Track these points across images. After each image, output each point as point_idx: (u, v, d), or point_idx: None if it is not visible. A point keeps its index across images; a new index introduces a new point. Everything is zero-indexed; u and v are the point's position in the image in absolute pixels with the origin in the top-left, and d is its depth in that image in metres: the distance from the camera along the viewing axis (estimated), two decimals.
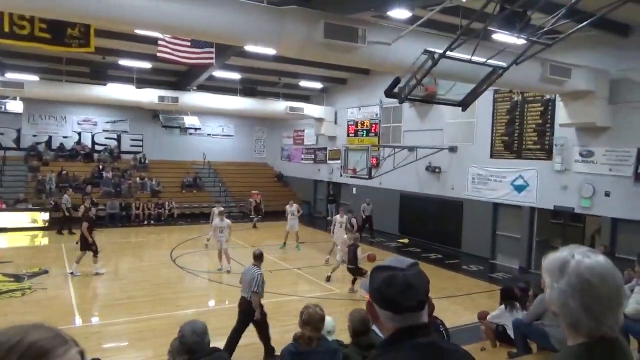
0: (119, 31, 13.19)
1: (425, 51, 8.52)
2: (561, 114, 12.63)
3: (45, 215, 18.61)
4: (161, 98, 19.47)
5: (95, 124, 24.71)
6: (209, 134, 27.22)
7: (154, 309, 9.61)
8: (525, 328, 6.19)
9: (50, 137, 23.74)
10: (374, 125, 20.58)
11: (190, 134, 26.35)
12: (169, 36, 12.45)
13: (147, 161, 24.76)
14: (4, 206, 18.61)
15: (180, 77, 20.46)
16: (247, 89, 20.94)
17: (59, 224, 17.63)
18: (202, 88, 20.79)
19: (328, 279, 11.94)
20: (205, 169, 26.03)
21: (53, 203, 19.27)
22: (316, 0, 9.34)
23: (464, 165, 16.12)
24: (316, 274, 12.63)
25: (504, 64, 8.88)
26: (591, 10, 8.35)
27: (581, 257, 1.39)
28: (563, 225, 15.06)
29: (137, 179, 23.04)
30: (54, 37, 10.35)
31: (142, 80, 19.61)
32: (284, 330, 7.35)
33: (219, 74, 18.62)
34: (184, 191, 23.91)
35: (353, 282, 11.01)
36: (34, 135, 23.32)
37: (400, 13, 9.34)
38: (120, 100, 19.68)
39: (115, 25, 9.27)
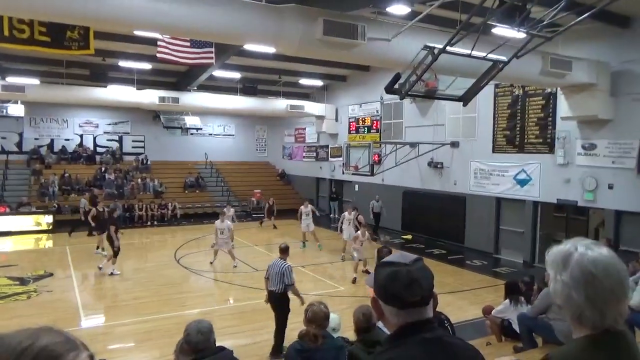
0: (118, 33, 13.22)
1: (425, 47, 8.50)
2: (563, 107, 12.59)
3: (49, 218, 18.67)
4: (162, 99, 19.48)
5: (96, 126, 24.75)
6: (210, 134, 27.21)
7: (159, 309, 9.64)
8: (530, 322, 6.19)
9: (52, 140, 23.77)
10: (375, 121, 20.55)
11: (192, 134, 26.35)
12: (169, 37, 12.46)
13: (149, 162, 24.78)
14: (7, 210, 18.67)
15: (180, 78, 20.45)
16: (248, 88, 20.90)
17: (70, 226, 17.56)
18: (202, 88, 20.77)
19: (354, 280, 11.73)
20: (207, 169, 26.06)
21: (57, 206, 19.30)
22: None
23: (466, 160, 16.08)
24: (320, 271, 12.63)
25: (504, 58, 8.85)
26: (591, 2, 8.30)
27: (584, 249, 1.39)
28: (566, 218, 15.01)
29: (140, 180, 23.08)
30: (53, 40, 10.35)
31: (142, 81, 19.62)
32: (289, 329, 7.35)
33: (219, 73, 18.61)
34: (186, 191, 23.95)
35: None
36: (36, 139, 23.35)
37: (399, 9, 9.35)
38: (121, 101, 19.71)
39: (114, 27, 9.29)
